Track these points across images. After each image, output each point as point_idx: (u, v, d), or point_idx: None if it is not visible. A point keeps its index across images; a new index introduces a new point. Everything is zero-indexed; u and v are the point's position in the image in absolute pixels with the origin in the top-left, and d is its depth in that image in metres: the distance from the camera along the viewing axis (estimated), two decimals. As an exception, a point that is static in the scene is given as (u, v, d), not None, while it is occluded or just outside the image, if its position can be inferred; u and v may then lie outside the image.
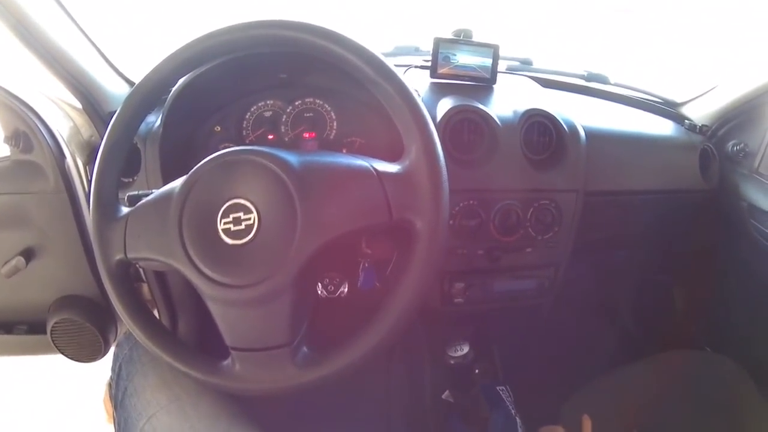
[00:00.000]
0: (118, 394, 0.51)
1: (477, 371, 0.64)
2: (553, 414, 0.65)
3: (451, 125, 0.56)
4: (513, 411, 0.61)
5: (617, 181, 0.69)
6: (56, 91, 0.69)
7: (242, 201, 0.38)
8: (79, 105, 0.70)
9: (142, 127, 0.64)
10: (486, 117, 0.57)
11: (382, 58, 0.41)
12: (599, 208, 0.69)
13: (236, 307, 0.39)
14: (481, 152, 0.57)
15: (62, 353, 0.78)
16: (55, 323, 0.75)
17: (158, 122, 0.60)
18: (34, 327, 0.79)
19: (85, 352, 0.78)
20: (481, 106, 0.58)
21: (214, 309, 0.39)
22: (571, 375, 0.71)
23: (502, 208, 0.57)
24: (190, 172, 0.41)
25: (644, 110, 0.82)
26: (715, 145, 0.78)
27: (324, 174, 0.39)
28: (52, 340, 0.77)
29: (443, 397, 0.62)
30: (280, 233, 0.37)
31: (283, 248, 0.37)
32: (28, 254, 0.74)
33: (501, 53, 0.63)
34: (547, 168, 0.60)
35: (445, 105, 0.58)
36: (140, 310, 0.44)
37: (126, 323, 0.43)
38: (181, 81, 0.56)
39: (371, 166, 0.40)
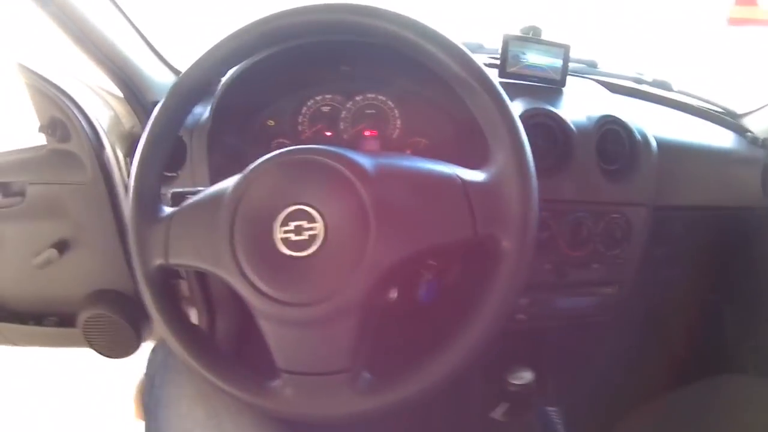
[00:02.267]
0: (151, 402, 0.48)
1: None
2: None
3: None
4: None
5: (684, 196, 0.66)
6: (96, 78, 0.66)
7: (306, 208, 0.34)
8: (120, 93, 0.67)
9: (189, 118, 0.60)
10: (560, 122, 0.54)
11: (471, 54, 0.37)
12: (664, 224, 0.65)
13: (293, 327, 0.35)
14: (553, 159, 0.54)
15: (93, 348, 0.76)
16: (88, 318, 0.73)
17: (207, 114, 0.56)
18: (64, 320, 0.76)
19: (117, 347, 0.76)
20: (555, 110, 0.54)
21: (267, 327, 0.35)
22: (620, 396, 0.68)
23: (574, 220, 0.54)
24: (245, 171, 0.37)
25: (706, 120, 0.78)
26: None
27: (403, 181, 0.36)
28: (85, 335, 0.74)
29: (491, 415, 0.59)
30: (350, 246, 0.34)
31: (352, 264, 0.33)
32: (62, 246, 0.71)
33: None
34: (619, 179, 0.57)
35: (517, 108, 0.54)
36: (179, 321, 0.40)
37: (163, 335, 0.39)
38: (233, 70, 0.52)
39: (456, 174, 0.36)
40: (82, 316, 0.73)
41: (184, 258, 0.38)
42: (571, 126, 0.54)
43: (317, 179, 0.35)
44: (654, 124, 0.64)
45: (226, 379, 0.38)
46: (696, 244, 0.74)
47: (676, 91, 0.78)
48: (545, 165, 0.53)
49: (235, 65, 0.42)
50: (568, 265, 0.56)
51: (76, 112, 0.65)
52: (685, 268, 0.80)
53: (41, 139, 0.67)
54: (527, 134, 0.52)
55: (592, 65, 0.73)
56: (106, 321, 0.73)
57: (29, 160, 0.68)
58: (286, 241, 0.34)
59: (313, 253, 0.34)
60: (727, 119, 0.80)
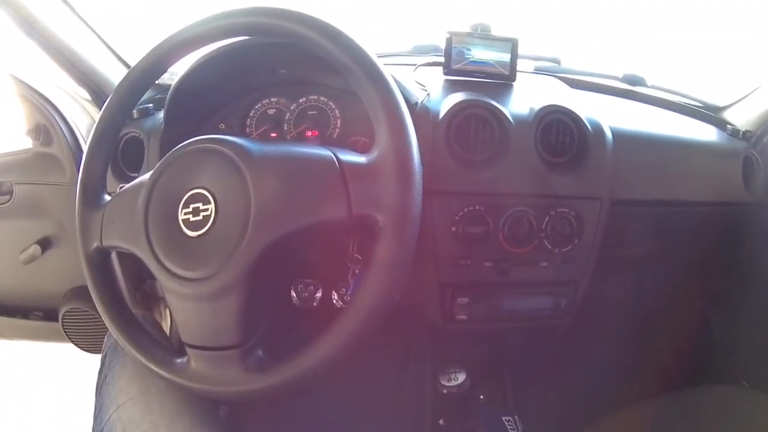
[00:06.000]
0: (100, 380, 0.52)
1: (482, 397, 0.58)
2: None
3: (456, 122, 0.52)
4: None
5: (649, 190, 0.62)
6: (74, 86, 0.70)
7: (202, 191, 0.37)
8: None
9: (149, 122, 0.65)
10: (496, 113, 0.52)
11: (357, 41, 0.38)
12: (629, 220, 0.62)
13: (190, 301, 0.37)
14: (490, 152, 0.52)
15: (71, 341, 0.80)
16: (66, 312, 0.77)
17: (161, 119, 0.59)
18: (49, 314, 0.81)
19: (93, 341, 0.79)
20: (492, 102, 0.53)
21: (171, 301, 0.38)
22: (592, 406, 0.64)
23: (513, 215, 0.52)
24: (159, 162, 0.41)
25: (683, 114, 0.74)
26: (759, 153, 0.69)
27: (281, 162, 0.37)
28: (63, 328, 0.78)
29: (440, 422, 0.56)
30: (234, 225, 0.36)
31: (234, 242, 0.35)
32: (45, 243, 0.76)
33: (530, 53, 0.59)
34: (567, 172, 0.54)
35: (452, 100, 0.53)
36: (113, 299, 0.44)
37: (99, 310, 0.43)
38: (179, 77, 0.55)
39: (334, 155, 0.37)
40: (62, 311, 0.77)
41: (113, 240, 0.42)
42: (508, 116, 0.52)
43: (212, 164, 0.38)
44: (616, 116, 0.62)
45: (143, 351, 0.41)
46: (672, 242, 0.70)
47: (650, 86, 0.75)
48: (481, 158, 0.52)
49: (168, 66, 0.45)
50: (510, 263, 0.53)
51: (57, 118, 0.71)
52: (664, 269, 0.75)
53: (27, 143, 0.72)
54: (460, 126, 0.52)
55: (556, 62, 0.71)
56: (82, 315, 0.77)
57: (16, 162, 0.74)
58: (187, 222, 0.37)
59: (206, 232, 0.37)
60: (706, 113, 0.75)
